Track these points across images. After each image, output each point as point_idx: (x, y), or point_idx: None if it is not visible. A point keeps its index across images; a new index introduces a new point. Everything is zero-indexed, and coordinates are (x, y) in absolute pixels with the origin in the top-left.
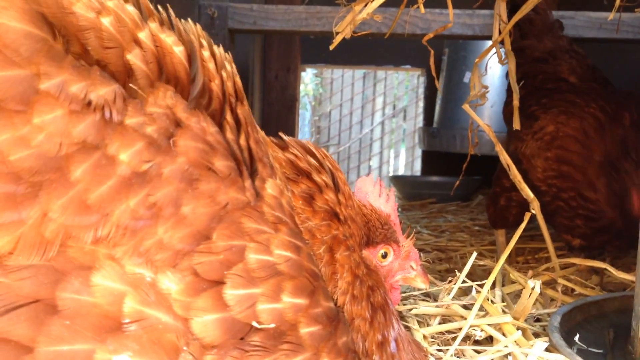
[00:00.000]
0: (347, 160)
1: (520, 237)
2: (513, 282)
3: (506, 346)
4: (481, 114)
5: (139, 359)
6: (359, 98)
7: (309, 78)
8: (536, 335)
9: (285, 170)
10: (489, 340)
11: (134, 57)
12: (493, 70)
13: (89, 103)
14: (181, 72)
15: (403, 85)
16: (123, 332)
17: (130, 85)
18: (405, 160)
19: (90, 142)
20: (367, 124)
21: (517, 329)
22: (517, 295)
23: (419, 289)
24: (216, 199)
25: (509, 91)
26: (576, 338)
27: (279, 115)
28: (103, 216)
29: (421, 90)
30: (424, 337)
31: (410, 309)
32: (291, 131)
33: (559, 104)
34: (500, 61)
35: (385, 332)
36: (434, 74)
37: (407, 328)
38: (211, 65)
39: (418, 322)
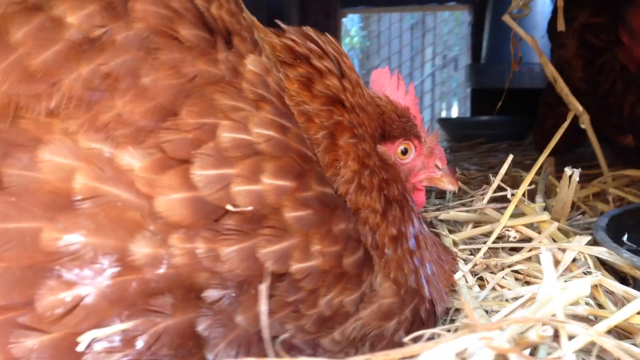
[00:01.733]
0: None
1: (572, 165)
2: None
3: (540, 242)
4: (531, 52)
5: (95, 237)
6: (407, 50)
7: (354, 31)
8: None
9: (279, 53)
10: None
11: None
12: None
13: None
14: None
15: (453, 34)
16: (75, 209)
17: None
18: (458, 111)
19: (33, 2)
20: (417, 76)
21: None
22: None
23: (447, 190)
24: (181, 71)
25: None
26: (624, 238)
27: None
28: (50, 85)
29: None
30: (454, 242)
31: (438, 216)
32: None
33: (594, 2)
34: None
35: (402, 227)
36: None
37: (437, 235)
38: None
39: (449, 230)
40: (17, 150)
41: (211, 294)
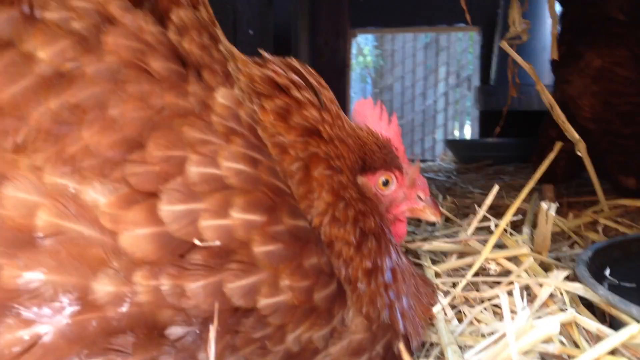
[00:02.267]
0: (410, 133)
1: (573, 191)
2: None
3: (519, 276)
4: (541, 73)
5: (55, 275)
6: (421, 69)
7: (367, 50)
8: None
9: (257, 85)
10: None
11: None
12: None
13: None
14: None
15: (467, 53)
16: (37, 246)
17: None
18: (471, 131)
19: (4, 39)
20: (431, 95)
21: (540, 263)
22: (555, 239)
23: (429, 222)
24: (149, 102)
25: (558, 39)
26: (607, 272)
27: (329, 81)
28: (18, 119)
29: None
30: (437, 274)
31: (421, 246)
32: (342, 97)
33: (604, 37)
34: None
35: (377, 260)
36: None
37: (419, 266)
38: None
39: (434, 260)
40: None
41: (175, 331)
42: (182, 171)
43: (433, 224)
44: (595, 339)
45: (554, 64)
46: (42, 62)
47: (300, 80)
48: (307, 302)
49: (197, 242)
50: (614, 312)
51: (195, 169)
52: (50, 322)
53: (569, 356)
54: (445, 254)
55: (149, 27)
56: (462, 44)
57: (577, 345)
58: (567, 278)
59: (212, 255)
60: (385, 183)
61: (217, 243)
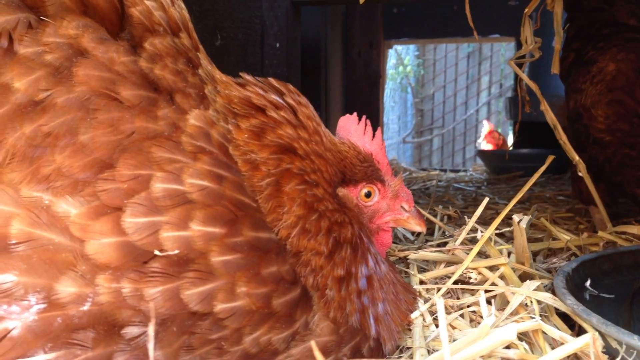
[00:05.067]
0: (451, 142)
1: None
2: (554, 239)
3: (494, 284)
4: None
5: (26, 277)
6: (463, 78)
7: (408, 60)
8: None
9: (235, 105)
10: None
11: None
12: None
13: None
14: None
15: None
16: (10, 252)
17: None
18: (514, 140)
19: None
20: (472, 105)
21: (520, 274)
22: (549, 254)
23: (414, 232)
24: (119, 128)
25: (565, 46)
26: (587, 283)
27: (362, 92)
28: None
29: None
30: (422, 281)
31: (408, 255)
32: (375, 108)
33: (617, 43)
34: (550, 6)
35: (352, 268)
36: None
37: (407, 274)
38: None
39: (424, 268)
40: None
41: (131, 330)
42: (147, 187)
43: (432, 234)
44: (559, 346)
45: (564, 73)
46: (18, 91)
47: (279, 100)
48: (265, 307)
49: (157, 252)
50: (579, 321)
51: (159, 185)
52: (18, 318)
53: None
54: (435, 263)
55: (121, 57)
56: (506, 54)
57: (541, 352)
58: (546, 288)
59: (171, 264)
60: (368, 195)
61: (176, 252)
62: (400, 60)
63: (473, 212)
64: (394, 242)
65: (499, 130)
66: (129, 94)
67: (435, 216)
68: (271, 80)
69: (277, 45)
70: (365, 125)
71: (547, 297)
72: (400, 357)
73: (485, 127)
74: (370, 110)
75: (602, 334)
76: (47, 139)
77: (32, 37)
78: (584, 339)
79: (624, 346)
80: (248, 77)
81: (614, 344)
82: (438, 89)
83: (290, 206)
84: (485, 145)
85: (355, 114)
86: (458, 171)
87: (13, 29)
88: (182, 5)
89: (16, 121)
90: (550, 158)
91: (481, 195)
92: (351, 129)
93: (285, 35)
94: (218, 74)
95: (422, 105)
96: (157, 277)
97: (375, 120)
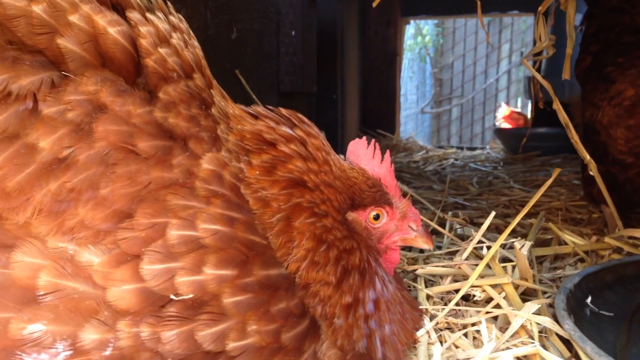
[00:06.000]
0: (470, 112)
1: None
2: (561, 244)
3: (496, 305)
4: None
5: (54, 326)
6: (483, 46)
7: (426, 30)
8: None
9: (247, 142)
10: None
11: (64, 41)
12: None
13: (9, 94)
14: (116, 52)
15: (531, 31)
16: (39, 303)
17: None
18: (531, 119)
19: (11, 132)
20: (492, 74)
21: (525, 289)
22: (557, 258)
23: (422, 250)
24: (136, 180)
25: (582, 46)
26: (588, 300)
27: (379, 71)
28: (25, 200)
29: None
30: (428, 296)
31: (416, 269)
32: (392, 87)
33: (637, 63)
34: (563, 6)
35: (359, 294)
36: None
37: (414, 288)
38: (145, 42)
39: (431, 281)
40: None
41: None
42: (163, 235)
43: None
44: None
45: (581, 75)
46: (44, 150)
47: (290, 132)
48: (275, 342)
49: (173, 296)
50: (576, 346)
51: (174, 233)
52: None
53: None
54: (442, 276)
55: (137, 109)
56: (528, 21)
57: None
58: (549, 304)
59: (186, 307)
60: (376, 217)
61: (191, 296)
62: (419, 30)
63: (487, 199)
64: (403, 250)
65: (520, 100)
66: (145, 146)
67: (444, 224)
68: (281, 110)
69: (293, 33)
70: (375, 149)
71: (546, 321)
72: None
73: (503, 109)
74: (387, 89)
75: None
76: (70, 194)
77: (55, 97)
78: None
79: None
80: (259, 109)
81: None
82: (457, 58)
83: (299, 240)
84: (504, 125)
85: (364, 138)
86: (475, 149)
87: (37, 89)
88: (196, 43)
89: (42, 179)
90: (557, 171)
91: (495, 178)
92: (360, 152)
93: (300, 23)
94: (231, 109)
95: (440, 74)
96: (173, 321)
97: (392, 99)
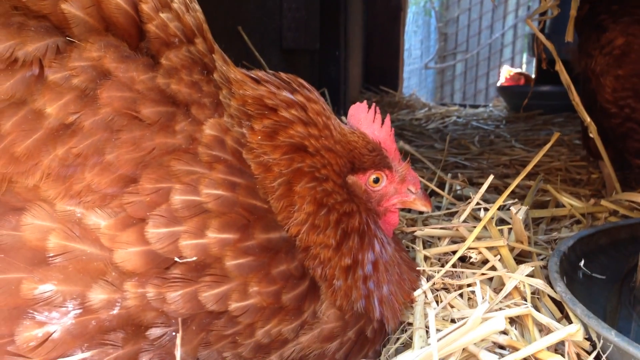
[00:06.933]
0: (475, 67)
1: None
2: (559, 206)
3: (491, 267)
4: None
5: (63, 286)
6: (489, 0)
7: None
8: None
9: (249, 107)
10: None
11: (68, 6)
12: None
13: (16, 61)
14: (119, 17)
15: None
16: (49, 264)
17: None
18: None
19: (18, 97)
20: (498, 28)
21: (520, 251)
22: (554, 219)
23: (421, 212)
24: (141, 146)
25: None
26: (581, 263)
27: (383, 27)
28: (33, 165)
29: None
30: (426, 257)
31: (414, 231)
32: (395, 44)
33: (632, 12)
34: None
35: (358, 256)
36: None
37: (412, 249)
38: (146, 7)
39: (429, 242)
40: (8, 214)
41: (155, 331)
42: (167, 199)
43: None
44: (547, 331)
45: (579, 30)
46: (50, 116)
47: (291, 97)
48: (275, 302)
49: (177, 259)
50: (567, 308)
51: (178, 197)
52: (58, 322)
53: (514, 348)
54: (440, 238)
55: (140, 75)
56: None
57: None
58: (543, 265)
59: (190, 269)
60: (376, 181)
61: (194, 259)
62: None
63: (488, 159)
64: (402, 211)
65: (525, 56)
66: (149, 112)
67: (443, 185)
68: (281, 75)
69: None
70: (375, 113)
71: (539, 283)
72: (400, 337)
73: (504, 70)
74: (391, 45)
75: (585, 325)
76: (77, 159)
77: (60, 63)
78: (568, 330)
79: (602, 340)
80: (261, 74)
81: (594, 336)
82: (463, 12)
83: (300, 204)
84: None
85: (365, 102)
86: (477, 106)
87: (43, 55)
88: (197, 7)
89: (50, 144)
90: (556, 135)
91: (497, 137)
92: (361, 117)
93: None
94: (233, 73)
95: (445, 28)
96: (177, 282)
97: (396, 56)
